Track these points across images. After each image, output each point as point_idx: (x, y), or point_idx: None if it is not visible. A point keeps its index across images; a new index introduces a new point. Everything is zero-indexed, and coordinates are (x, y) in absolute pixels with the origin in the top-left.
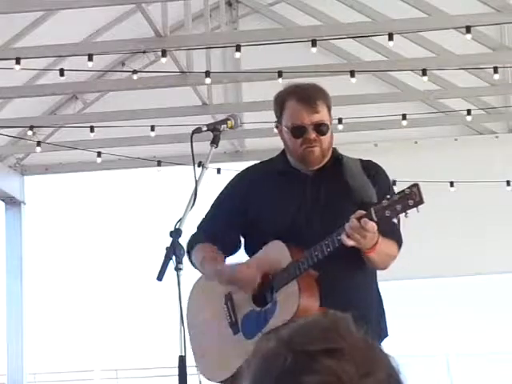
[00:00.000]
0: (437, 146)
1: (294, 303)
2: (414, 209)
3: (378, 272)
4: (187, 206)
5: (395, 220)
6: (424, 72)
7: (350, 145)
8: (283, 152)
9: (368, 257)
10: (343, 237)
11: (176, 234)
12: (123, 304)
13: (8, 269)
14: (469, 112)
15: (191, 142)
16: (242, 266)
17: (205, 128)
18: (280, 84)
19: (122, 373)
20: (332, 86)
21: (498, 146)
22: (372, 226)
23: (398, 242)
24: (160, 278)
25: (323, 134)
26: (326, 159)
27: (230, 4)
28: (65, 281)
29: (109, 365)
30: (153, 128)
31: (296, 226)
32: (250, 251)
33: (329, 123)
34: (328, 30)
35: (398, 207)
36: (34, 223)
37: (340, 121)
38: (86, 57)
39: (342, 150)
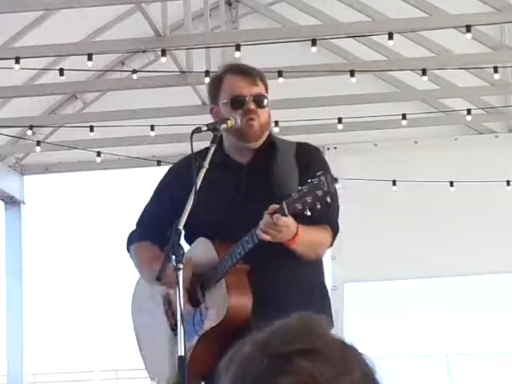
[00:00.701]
0: (437, 146)
1: (224, 305)
2: (326, 198)
3: (377, 272)
4: (187, 206)
5: (327, 204)
6: (424, 71)
7: (350, 144)
8: (220, 139)
9: (289, 249)
10: (259, 232)
11: (175, 233)
12: (123, 304)
13: (8, 269)
14: (469, 112)
15: (191, 141)
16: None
17: (205, 128)
18: (280, 84)
19: (122, 373)
20: (332, 85)
21: (498, 145)
22: (284, 221)
23: (333, 227)
24: (160, 277)
25: (262, 106)
26: (263, 139)
27: (229, 3)
28: (64, 281)
29: (108, 365)
30: (152, 128)
31: (229, 220)
32: (189, 242)
33: (268, 98)
34: (328, 29)
35: (308, 199)
36: (34, 223)
37: (340, 120)
38: (86, 56)
39: (341, 150)
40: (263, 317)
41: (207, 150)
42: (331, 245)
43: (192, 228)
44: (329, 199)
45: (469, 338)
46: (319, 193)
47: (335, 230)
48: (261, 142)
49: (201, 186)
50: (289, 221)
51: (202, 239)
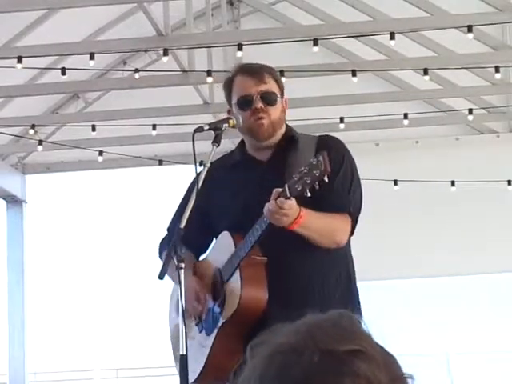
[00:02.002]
0: (438, 146)
1: (236, 295)
2: (323, 178)
3: (378, 271)
4: (188, 205)
5: (346, 188)
6: (425, 71)
7: (351, 144)
8: (242, 141)
9: (294, 232)
10: (265, 214)
11: (177, 233)
12: (124, 303)
13: (9, 268)
14: (470, 111)
15: (193, 141)
16: (191, 274)
17: (206, 127)
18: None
19: (123, 372)
20: (333, 85)
21: (499, 145)
22: (288, 204)
23: (351, 214)
24: (161, 276)
25: (271, 103)
26: (279, 136)
27: (231, 3)
28: (66, 280)
29: (109, 364)
30: (154, 127)
31: (250, 216)
32: None
33: (278, 94)
34: (329, 29)
35: (307, 180)
36: (36, 222)
37: (341, 120)
38: (88, 56)
39: None
40: (282, 309)
41: (232, 151)
42: (352, 233)
43: (220, 230)
44: (326, 179)
45: (469, 336)
46: (316, 173)
47: (354, 217)
48: (277, 138)
49: (224, 187)
50: (293, 203)
51: (223, 233)
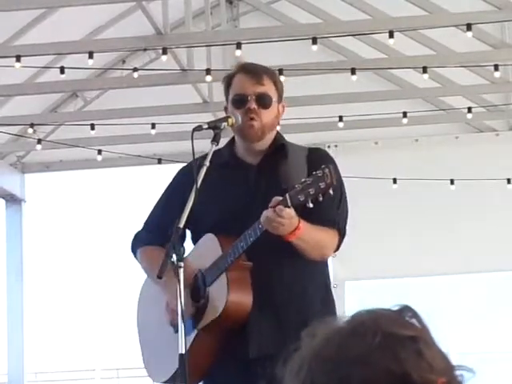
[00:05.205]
0: (437, 144)
1: (223, 299)
2: (329, 191)
3: (377, 270)
4: (187, 204)
5: (334, 206)
6: (424, 70)
7: (351, 143)
8: (232, 140)
9: (290, 242)
10: (262, 222)
11: (176, 232)
12: (124, 303)
13: (8, 267)
14: (469, 110)
15: (192, 139)
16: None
17: (205, 126)
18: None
19: (123, 372)
20: (332, 83)
21: (498, 143)
22: (287, 213)
23: (340, 231)
24: (161, 275)
25: (265, 106)
26: (268, 140)
27: (230, 2)
28: (65, 279)
29: (110, 364)
30: (153, 126)
31: (238, 220)
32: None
33: (274, 98)
34: (328, 27)
35: (311, 191)
36: (35, 221)
37: (340, 118)
38: (87, 54)
39: (342, 148)
40: (262, 314)
41: (219, 150)
42: (337, 248)
43: (201, 228)
44: (331, 191)
45: (468, 336)
46: (322, 185)
47: (342, 234)
48: (266, 142)
49: (210, 186)
50: (292, 212)
51: (208, 235)
